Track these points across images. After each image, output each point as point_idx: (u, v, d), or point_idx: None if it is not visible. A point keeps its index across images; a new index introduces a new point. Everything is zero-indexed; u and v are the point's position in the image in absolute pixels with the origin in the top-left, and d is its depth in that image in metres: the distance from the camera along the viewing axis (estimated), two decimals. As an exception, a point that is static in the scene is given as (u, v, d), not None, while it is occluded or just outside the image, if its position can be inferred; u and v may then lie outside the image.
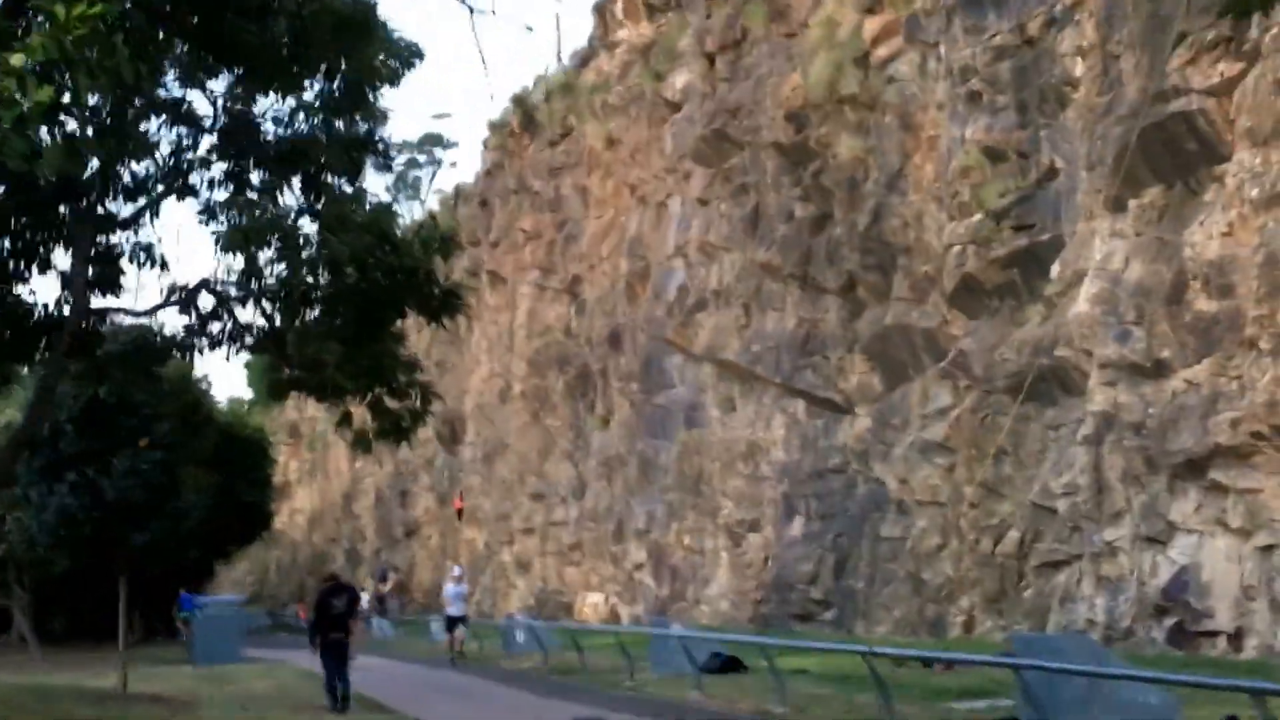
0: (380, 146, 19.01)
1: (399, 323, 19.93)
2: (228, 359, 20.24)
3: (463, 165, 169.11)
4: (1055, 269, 25.45)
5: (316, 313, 18.73)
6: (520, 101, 53.93)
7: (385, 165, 19.32)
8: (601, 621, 41.43)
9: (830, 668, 22.28)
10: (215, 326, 19.40)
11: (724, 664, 23.35)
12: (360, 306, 18.22)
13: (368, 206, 18.66)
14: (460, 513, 57.86)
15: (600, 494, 44.73)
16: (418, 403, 20.23)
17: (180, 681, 28.06)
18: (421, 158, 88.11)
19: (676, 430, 39.56)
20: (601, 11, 47.34)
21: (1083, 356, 24.21)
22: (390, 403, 20.11)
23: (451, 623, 33.60)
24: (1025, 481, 25.60)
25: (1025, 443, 25.82)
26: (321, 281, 18.11)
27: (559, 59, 55.10)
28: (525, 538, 51.08)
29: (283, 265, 18.06)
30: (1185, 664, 19.70)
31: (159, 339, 20.25)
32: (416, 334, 48.45)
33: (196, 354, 19.70)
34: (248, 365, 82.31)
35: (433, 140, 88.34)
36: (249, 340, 19.40)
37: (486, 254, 56.10)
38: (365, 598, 55.73)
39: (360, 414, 20.82)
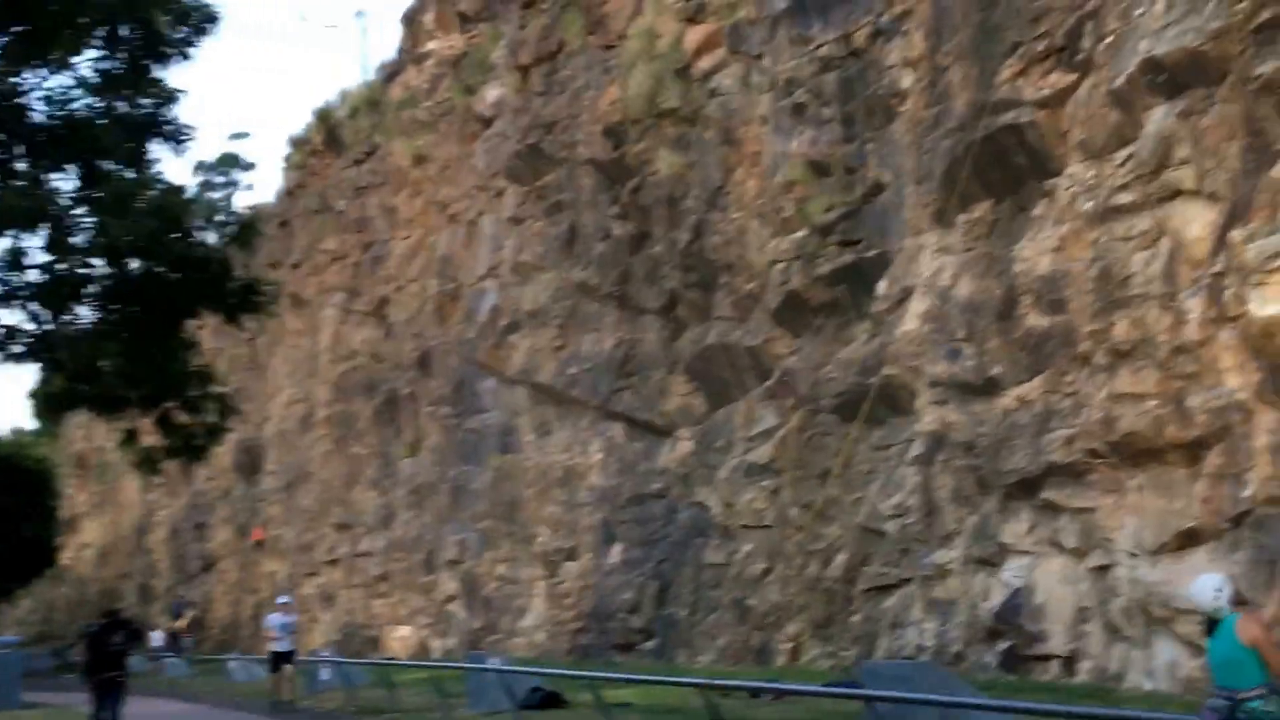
0: (169, 128, 16.81)
1: (191, 328, 17.88)
2: (-15, 369, 17.34)
3: (262, 188, 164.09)
4: (882, 285, 24.94)
5: (92, 311, 16.55)
6: (324, 117, 51.89)
7: (176, 148, 17.08)
8: (411, 656, 39.81)
9: (654, 700, 21.36)
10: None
11: (544, 700, 22.12)
12: (144, 302, 16.10)
13: (155, 190, 16.48)
14: (260, 543, 55.37)
15: (409, 523, 43.05)
16: (214, 417, 18.22)
17: (-57, 732, 25.56)
18: (218, 179, 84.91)
19: (489, 456, 38.23)
20: (411, 22, 45.75)
21: (912, 375, 23.68)
22: (181, 417, 18.04)
23: (277, 660, 27.51)
24: (853, 503, 24.95)
25: (853, 463, 25.18)
26: (97, 272, 15.96)
27: (364, 72, 53.33)
28: (330, 569, 49.05)
29: (51, 257, 15.78)
30: (1019, 689, 19.18)
31: None
32: (213, 359, 46.15)
33: None
34: (32, 394, 77.96)
35: (229, 161, 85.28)
36: (14, 348, 16.87)
37: (288, 276, 53.83)
38: (158, 635, 53.09)
39: (150, 432, 18.76)
